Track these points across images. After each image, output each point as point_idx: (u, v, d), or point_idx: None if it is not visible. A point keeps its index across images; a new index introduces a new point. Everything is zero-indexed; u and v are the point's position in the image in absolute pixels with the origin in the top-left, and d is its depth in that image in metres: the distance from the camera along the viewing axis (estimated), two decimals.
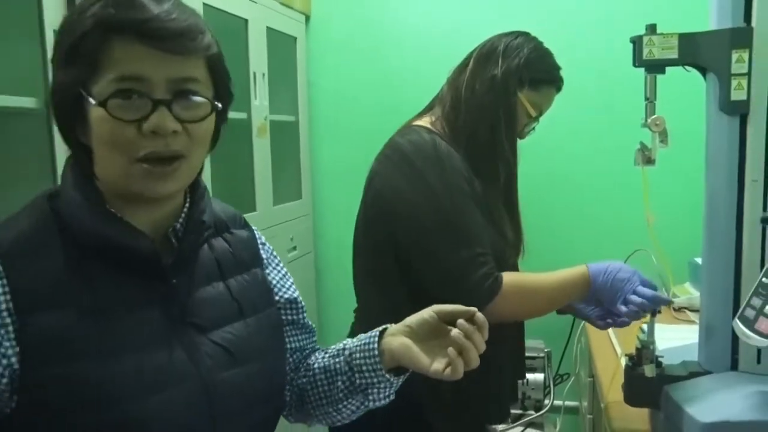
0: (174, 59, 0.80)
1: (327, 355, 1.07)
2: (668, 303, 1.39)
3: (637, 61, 1.22)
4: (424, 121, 1.44)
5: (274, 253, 1.10)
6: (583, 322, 2.06)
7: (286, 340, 1.07)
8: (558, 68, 1.48)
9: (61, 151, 1.41)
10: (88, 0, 0.81)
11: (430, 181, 1.31)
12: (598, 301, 1.42)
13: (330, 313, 2.90)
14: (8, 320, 0.77)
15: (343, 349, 1.04)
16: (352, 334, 1.43)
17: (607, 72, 2.47)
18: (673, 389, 1.24)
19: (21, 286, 0.78)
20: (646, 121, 1.24)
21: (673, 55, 1.21)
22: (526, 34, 1.47)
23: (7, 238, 0.81)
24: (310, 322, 1.12)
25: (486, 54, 1.44)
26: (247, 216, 1.10)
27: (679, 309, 2.11)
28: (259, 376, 0.92)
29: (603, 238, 2.55)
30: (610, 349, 1.85)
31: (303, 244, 2.76)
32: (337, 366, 1.02)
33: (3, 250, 0.79)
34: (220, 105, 0.88)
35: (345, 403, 1.03)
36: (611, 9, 2.51)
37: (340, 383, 1.02)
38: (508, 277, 1.33)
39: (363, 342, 1.01)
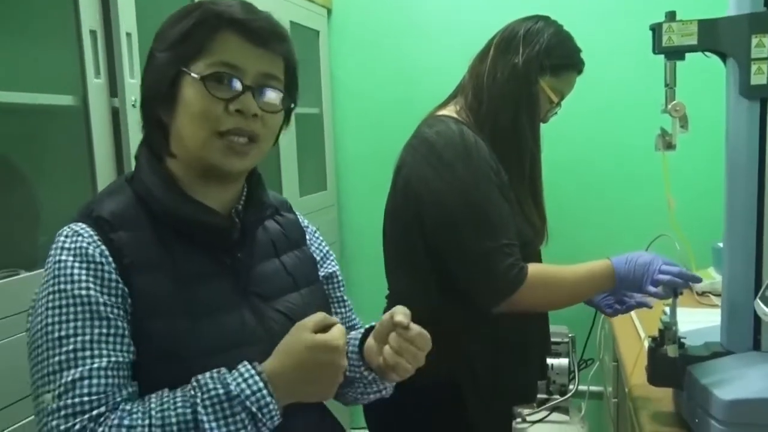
0: (264, 56, 0.94)
1: None
2: (697, 279, 1.39)
3: (657, 48, 1.24)
4: (450, 111, 1.46)
5: (317, 233, 1.20)
6: None
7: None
8: (578, 51, 1.48)
9: (99, 144, 1.47)
10: (200, 0, 0.95)
11: (458, 171, 1.33)
12: (622, 290, 1.44)
13: (355, 301, 2.93)
14: (118, 277, 0.88)
15: (349, 339, 1.10)
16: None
17: (629, 56, 2.47)
18: (696, 369, 1.26)
19: (122, 250, 0.89)
20: (666, 107, 1.25)
21: (693, 41, 1.23)
22: (546, 19, 1.47)
23: (103, 213, 0.91)
24: (347, 297, 1.21)
25: (506, 40, 1.44)
26: None
27: (703, 293, 2.12)
28: None
29: (626, 222, 2.56)
30: (634, 333, 1.87)
31: (329, 234, 2.80)
32: None
33: (103, 220, 0.90)
34: (292, 103, 1.01)
35: (348, 389, 1.11)
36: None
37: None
38: (533, 268, 1.35)
39: (354, 337, 1.09)
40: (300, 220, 1.17)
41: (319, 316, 0.93)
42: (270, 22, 0.95)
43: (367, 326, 1.10)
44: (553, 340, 2.17)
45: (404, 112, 1.56)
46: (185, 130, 0.93)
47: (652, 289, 1.35)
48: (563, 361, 2.15)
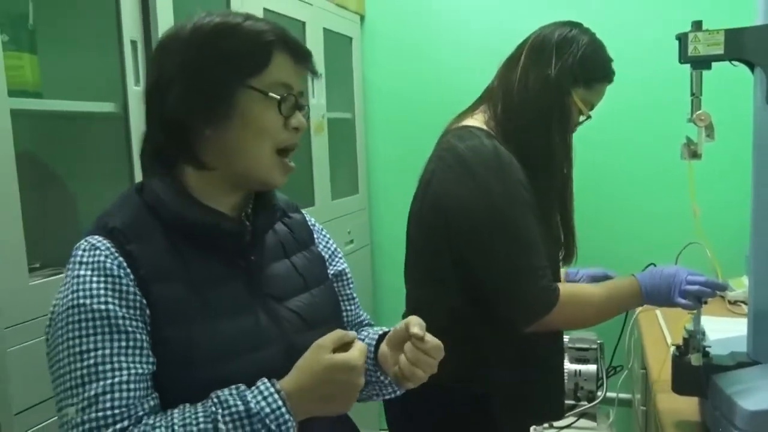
0: (302, 75, 1.01)
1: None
2: (723, 287, 1.39)
3: (683, 57, 1.24)
4: (478, 120, 1.42)
5: (324, 231, 1.22)
6: (636, 314, 2.10)
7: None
8: (610, 61, 1.44)
9: (137, 149, 1.52)
10: (238, 15, 0.99)
11: (492, 191, 1.31)
12: (650, 305, 1.44)
13: (385, 303, 2.98)
14: (136, 289, 0.90)
15: (362, 340, 1.12)
16: None
17: (657, 62, 2.45)
18: (721, 378, 1.26)
19: (137, 261, 0.91)
20: (691, 116, 1.26)
21: (719, 51, 1.23)
22: (579, 26, 1.43)
23: (117, 224, 0.93)
24: (355, 295, 1.23)
25: (539, 49, 1.40)
26: (306, 210, 1.20)
27: (735, 302, 2.10)
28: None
29: (656, 230, 2.54)
30: (662, 340, 1.86)
31: (360, 237, 2.84)
32: None
33: (118, 231, 0.92)
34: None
35: (362, 389, 1.12)
36: (658, 3, 2.50)
37: None
38: (565, 288, 1.35)
39: (368, 341, 1.11)
40: (307, 219, 1.19)
41: (337, 334, 0.93)
42: (304, 45, 1.01)
43: (380, 332, 1.11)
44: (581, 346, 2.17)
45: (435, 116, 1.56)
46: (243, 144, 0.95)
47: (681, 300, 1.34)
48: (591, 368, 2.15)
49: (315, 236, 1.17)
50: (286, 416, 0.88)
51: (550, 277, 1.34)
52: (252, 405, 0.87)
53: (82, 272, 0.89)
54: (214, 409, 0.86)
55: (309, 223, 1.18)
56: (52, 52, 1.45)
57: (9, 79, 1.26)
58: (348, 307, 1.20)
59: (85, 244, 0.92)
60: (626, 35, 2.47)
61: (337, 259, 1.20)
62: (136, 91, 1.52)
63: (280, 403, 0.88)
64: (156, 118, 0.97)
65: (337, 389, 0.92)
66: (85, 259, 0.90)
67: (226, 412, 0.86)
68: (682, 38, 1.25)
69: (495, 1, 2.69)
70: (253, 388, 0.89)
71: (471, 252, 1.35)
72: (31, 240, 1.26)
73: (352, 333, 0.95)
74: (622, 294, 1.40)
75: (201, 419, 0.86)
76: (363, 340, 1.12)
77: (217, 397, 0.88)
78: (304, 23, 2.35)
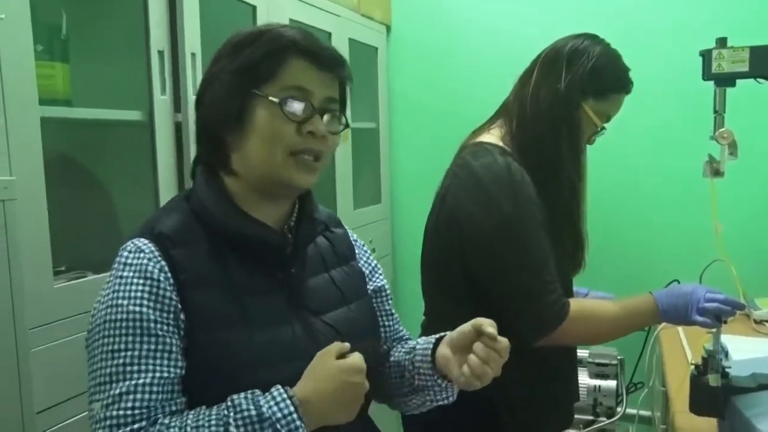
0: (328, 80, 1.00)
1: (402, 350, 1.17)
2: (743, 307, 1.36)
3: (707, 74, 1.24)
4: (494, 135, 1.43)
5: (365, 247, 1.23)
6: (658, 330, 2.07)
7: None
8: (626, 71, 1.43)
9: (162, 157, 1.57)
10: (271, 25, 1.01)
11: (504, 208, 1.32)
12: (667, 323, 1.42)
13: (407, 312, 2.96)
14: (173, 294, 0.93)
15: (413, 348, 1.14)
16: (423, 335, 1.52)
17: (682, 77, 2.42)
18: (740, 400, 1.25)
19: (179, 266, 0.94)
20: (714, 133, 1.25)
21: (744, 68, 1.22)
22: (592, 38, 1.42)
23: (164, 229, 0.96)
24: (394, 311, 1.24)
25: (551, 61, 1.40)
26: None
27: (760, 321, 2.06)
28: (363, 353, 1.02)
29: (681, 247, 2.50)
30: (683, 357, 1.83)
31: (382, 246, 2.85)
32: (405, 363, 1.13)
33: (164, 236, 0.95)
34: (348, 124, 1.05)
35: (411, 397, 1.14)
36: (683, 19, 2.47)
37: (406, 380, 1.13)
38: (575, 304, 1.35)
39: (423, 346, 1.11)
40: (349, 234, 1.20)
41: (338, 345, 0.96)
42: (333, 50, 1.01)
43: (437, 336, 1.11)
44: (601, 361, 2.15)
45: (460, 127, 1.56)
46: (256, 151, 0.97)
47: (699, 318, 1.31)
48: (611, 384, 2.12)
49: (356, 252, 1.18)
50: (297, 422, 0.89)
51: (560, 292, 1.34)
52: (264, 410, 0.88)
53: (124, 273, 0.93)
54: (226, 412, 0.88)
55: (351, 239, 1.19)
56: (82, 61, 1.49)
57: (41, 87, 1.30)
58: (387, 323, 1.21)
59: (131, 245, 0.95)
60: (652, 51, 2.45)
61: (377, 275, 1.21)
62: (161, 100, 1.56)
63: (291, 408, 0.89)
64: (196, 127, 1.04)
65: (346, 392, 0.94)
66: (129, 261, 0.94)
67: (239, 416, 0.88)
68: (705, 55, 1.25)
69: (521, 12, 2.68)
70: (267, 393, 0.91)
71: (481, 267, 1.37)
72: (58, 243, 1.29)
73: (347, 345, 0.97)
74: (637, 311, 1.38)
75: (213, 422, 0.88)
76: (414, 348, 1.13)
77: (232, 400, 0.90)
78: (330, 34, 2.37)
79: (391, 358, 1.17)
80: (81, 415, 1.31)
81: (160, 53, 1.55)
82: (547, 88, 1.38)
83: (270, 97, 0.95)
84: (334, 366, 0.94)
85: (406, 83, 2.91)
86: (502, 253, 1.33)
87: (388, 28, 2.89)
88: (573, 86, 1.36)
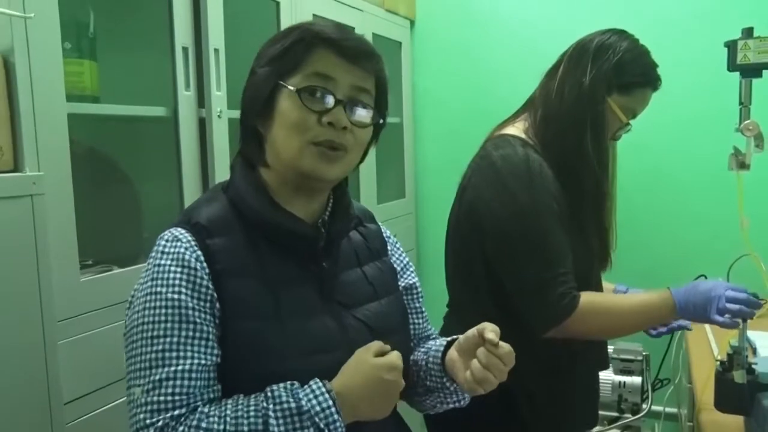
0: (357, 71, 0.99)
1: (421, 350, 1.18)
2: (760, 306, 1.31)
3: (731, 65, 1.22)
4: (518, 128, 1.44)
5: (398, 244, 1.23)
6: None
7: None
8: (654, 67, 1.41)
9: (186, 152, 1.58)
10: (309, 22, 1.03)
11: (520, 200, 1.33)
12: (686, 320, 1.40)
13: (431, 307, 2.94)
14: (209, 283, 0.94)
15: (429, 348, 1.15)
16: (445, 328, 1.53)
17: (714, 67, 2.38)
18: (766, 397, 1.23)
19: (215, 256, 0.95)
20: (739, 125, 1.22)
21: None
22: (620, 33, 1.41)
23: (200, 219, 0.98)
24: (424, 309, 1.24)
25: (577, 56, 1.40)
26: None
27: None
28: (393, 348, 1.03)
29: (709, 241, 2.46)
30: (709, 354, 1.81)
31: (406, 241, 2.85)
32: (421, 363, 1.14)
33: (201, 226, 0.97)
34: (381, 119, 1.04)
35: (425, 397, 1.15)
36: (709, 9, 2.43)
37: (421, 380, 1.13)
38: (586, 297, 1.34)
39: (436, 348, 1.12)
40: (382, 230, 1.20)
41: (378, 344, 0.98)
42: (362, 41, 1.01)
43: (448, 339, 1.12)
44: (626, 357, 2.12)
45: (484, 121, 1.56)
46: (280, 140, 0.98)
47: (719, 318, 1.28)
48: (636, 380, 2.09)
49: (389, 248, 1.19)
50: (335, 416, 0.90)
51: (571, 284, 1.33)
52: (303, 403, 0.89)
53: (162, 261, 0.95)
54: (265, 404, 0.90)
55: (384, 235, 1.20)
56: (108, 57, 1.52)
57: (70, 84, 1.33)
58: (416, 321, 1.22)
59: (169, 235, 0.97)
60: (677, 42, 2.42)
61: (408, 273, 1.21)
62: (186, 96, 1.58)
63: (330, 402, 0.90)
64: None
65: (383, 389, 0.95)
66: (167, 249, 0.96)
67: (278, 407, 0.89)
68: (731, 46, 1.23)
69: (545, 6, 2.66)
70: (306, 386, 0.92)
71: (497, 257, 1.38)
72: (85, 238, 1.32)
73: (387, 346, 0.99)
74: (653, 307, 1.36)
75: (252, 412, 0.89)
76: (429, 349, 1.15)
77: (271, 391, 0.91)
78: (353, 29, 2.36)
79: (412, 357, 1.18)
80: (108, 406, 1.34)
81: (185, 49, 1.57)
82: (572, 83, 1.38)
83: (289, 87, 0.96)
84: (372, 363, 0.95)
85: (430, 78, 2.90)
86: (515, 243, 1.34)
87: (412, 23, 2.89)
88: (598, 80, 1.36)
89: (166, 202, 1.62)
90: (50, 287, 1.20)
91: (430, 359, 1.11)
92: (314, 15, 2.10)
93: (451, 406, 1.14)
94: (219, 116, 1.64)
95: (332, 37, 0.97)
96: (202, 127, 1.63)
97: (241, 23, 1.68)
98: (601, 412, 2.09)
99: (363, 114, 1.00)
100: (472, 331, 1.01)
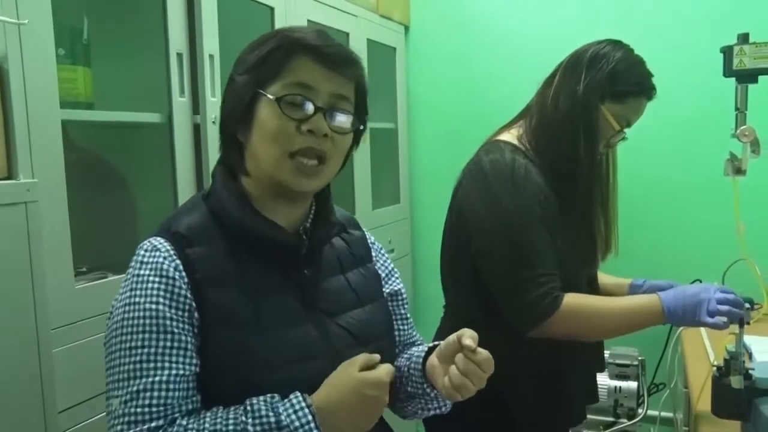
0: (336, 79, 0.98)
1: (404, 356, 1.17)
2: (752, 305, 1.33)
3: (727, 71, 1.22)
4: (511, 135, 1.47)
5: (383, 250, 1.23)
6: (679, 330, 2.05)
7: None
8: (648, 77, 1.43)
9: (181, 158, 1.58)
10: (288, 27, 1.02)
11: (503, 203, 1.35)
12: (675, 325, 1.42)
13: (426, 312, 2.97)
14: (188, 292, 0.94)
15: (411, 355, 1.15)
16: (440, 329, 1.55)
17: (700, 77, 2.39)
18: (764, 402, 1.23)
19: (195, 265, 0.95)
20: (735, 131, 1.23)
21: (767, 64, 1.20)
22: (615, 43, 1.44)
23: (180, 228, 0.98)
24: (409, 315, 1.24)
25: (572, 66, 1.42)
26: None
27: None
28: (376, 354, 1.02)
29: (704, 246, 2.47)
30: (705, 358, 1.81)
31: (401, 246, 2.85)
32: (403, 370, 1.13)
33: (180, 235, 0.96)
34: (361, 126, 1.04)
35: (406, 403, 1.15)
36: (704, 15, 2.44)
37: (402, 386, 1.13)
38: (569, 299, 1.35)
39: (417, 355, 1.11)
40: (367, 237, 1.20)
41: (365, 357, 0.97)
42: (342, 48, 1.00)
43: (429, 345, 1.12)
44: (621, 362, 2.13)
45: (478, 126, 1.57)
46: (259, 149, 0.97)
47: (709, 320, 1.29)
48: (632, 384, 2.10)
49: (373, 254, 1.19)
50: (315, 431, 0.89)
51: (553, 285, 1.34)
52: (283, 417, 0.89)
53: (141, 272, 0.94)
54: (244, 418, 0.89)
55: (369, 241, 1.20)
56: (102, 63, 1.51)
57: (63, 90, 1.32)
58: (401, 327, 1.21)
59: (148, 244, 0.97)
60: (672, 48, 2.42)
61: (393, 279, 1.21)
62: (180, 102, 1.57)
63: (309, 417, 0.90)
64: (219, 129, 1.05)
65: (366, 405, 0.94)
66: (145, 259, 0.95)
67: (257, 421, 0.88)
68: (727, 51, 1.23)
69: (542, 13, 2.66)
70: (286, 400, 0.91)
71: (480, 258, 1.40)
72: (79, 245, 1.31)
73: (377, 356, 0.98)
74: (639, 312, 1.37)
75: (231, 426, 0.88)
76: (412, 355, 1.14)
77: (251, 405, 0.90)
78: (347, 34, 2.37)
79: (395, 363, 1.17)
80: (103, 414, 1.32)
81: (179, 55, 1.57)
82: (567, 91, 1.40)
83: (268, 95, 0.95)
84: (356, 378, 0.94)
85: (425, 83, 2.91)
86: (497, 244, 1.36)
87: (407, 28, 2.89)
88: (591, 89, 1.38)
89: (160, 208, 1.61)
90: (44, 295, 1.19)
91: (412, 365, 1.11)
92: (309, 20, 2.10)
93: (433, 412, 1.14)
94: (214, 122, 1.63)
95: (312, 44, 0.96)
96: (197, 133, 1.62)
97: (235, 29, 1.67)
98: (596, 417, 2.10)
99: (343, 121, 1.00)
100: (452, 337, 1.00)
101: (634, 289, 1.66)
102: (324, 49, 0.97)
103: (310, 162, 0.97)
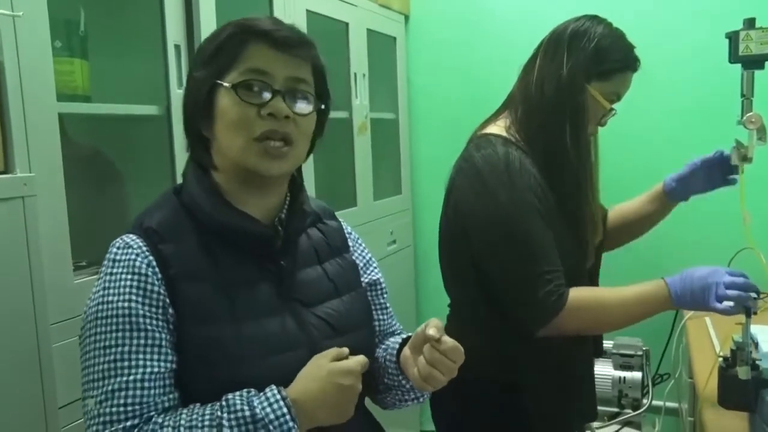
0: (291, 62, 0.98)
1: (382, 347, 1.17)
2: (757, 290, 1.26)
3: (733, 57, 1.20)
4: (499, 127, 1.42)
5: (360, 240, 1.22)
6: (684, 320, 2.03)
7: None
8: (631, 49, 1.38)
9: (179, 151, 1.56)
10: (230, 21, 1.01)
11: (500, 200, 1.32)
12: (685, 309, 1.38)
13: (429, 304, 2.96)
14: (161, 289, 0.93)
15: (388, 346, 1.14)
16: (446, 327, 1.52)
17: (713, 62, 2.37)
18: None
19: (168, 261, 0.94)
20: (741, 118, 1.21)
21: None
22: (592, 18, 1.39)
23: (152, 223, 0.97)
24: (389, 305, 1.23)
25: (552, 47, 1.38)
26: (348, 211, 1.21)
27: None
28: (356, 345, 1.03)
29: (709, 234, 2.45)
30: (710, 348, 1.80)
31: (402, 237, 2.84)
32: (381, 361, 1.13)
33: (152, 231, 0.96)
34: (322, 105, 1.04)
35: (386, 394, 1.14)
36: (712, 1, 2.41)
37: (381, 377, 1.13)
38: (575, 293, 1.32)
39: (392, 346, 1.11)
40: (343, 227, 1.19)
41: (335, 351, 0.97)
42: (294, 31, 1.00)
43: (404, 336, 1.12)
44: (626, 352, 2.12)
45: (479, 116, 1.54)
46: (224, 139, 0.97)
47: (719, 305, 1.24)
48: (636, 375, 2.09)
49: (350, 244, 1.18)
50: (290, 423, 0.89)
51: (559, 281, 1.31)
52: (258, 410, 0.88)
53: (113, 270, 0.94)
54: (219, 413, 0.88)
55: (345, 231, 1.19)
56: (99, 56, 1.49)
57: (61, 83, 1.31)
58: (381, 317, 1.20)
59: (120, 242, 0.97)
60: (677, 33, 2.40)
61: (371, 269, 1.20)
62: (178, 94, 1.55)
63: (285, 410, 0.89)
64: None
65: (340, 394, 0.94)
66: (118, 257, 0.95)
67: (232, 416, 0.88)
68: (732, 37, 1.21)
69: (541, 1, 2.64)
70: (261, 393, 0.91)
71: (483, 257, 1.37)
72: (78, 238, 1.30)
73: (345, 349, 0.98)
74: (647, 299, 1.32)
75: (206, 422, 0.88)
76: (387, 347, 1.14)
77: (226, 400, 0.90)
78: (347, 24, 2.35)
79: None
80: None
81: (177, 47, 1.55)
82: (551, 75, 1.36)
83: (225, 84, 0.95)
84: (328, 368, 0.94)
85: (426, 73, 2.89)
86: (499, 243, 1.33)
87: (407, 18, 2.87)
88: (576, 71, 1.34)
89: None
90: (43, 290, 1.18)
91: (387, 356, 1.11)
92: (307, 11, 2.08)
93: (410, 403, 1.14)
94: None
95: (263, 29, 0.97)
96: None
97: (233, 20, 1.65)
98: (601, 408, 2.09)
99: (303, 104, 1.00)
100: (421, 328, 1.00)
101: (669, 192, 1.60)
102: (276, 33, 0.97)
103: (276, 143, 0.97)
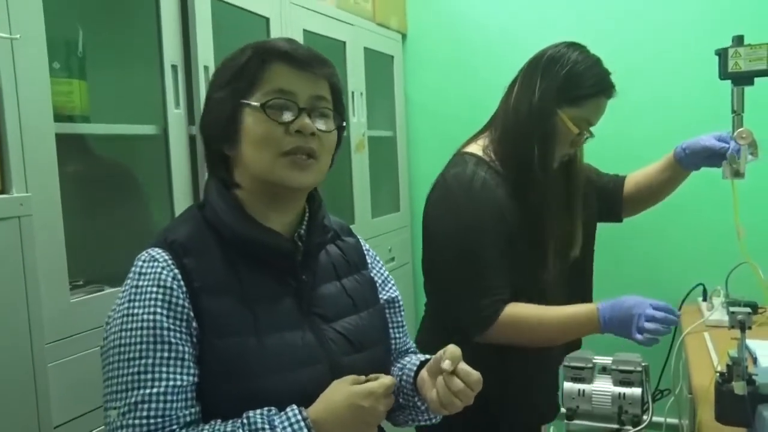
0: (312, 80, 1.02)
1: (397, 366, 1.18)
2: (676, 323, 1.35)
3: (723, 73, 1.22)
4: (478, 146, 1.48)
5: (377, 258, 1.24)
6: (683, 335, 2.03)
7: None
8: (605, 75, 1.41)
9: (177, 170, 1.57)
10: (246, 44, 1.04)
11: (460, 217, 1.40)
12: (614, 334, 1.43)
13: None
14: (186, 302, 0.94)
15: (404, 366, 1.15)
16: (422, 328, 1.66)
17: (703, 78, 2.38)
18: (767, 409, 1.21)
19: (192, 274, 0.96)
20: (732, 134, 1.22)
21: (762, 66, 1.20)
22: (570, 44, 1.43)
23: (178, 237, 0.99)
24: (405, 323, 1.24)
25: (530, 72, 1.43)
26: None
27: None
28: (373, 362, 1.05)
29: (707, 250, 2.45)
30: (708, 363, 1.79)
31: (401, 254, 2.84)
32: (396, 380, 1.13)
33: (177, 244, 0.98)
34: (343, 122, 1.08)
35: (399, 413, 1.15)
36: (699, 17, 2.43)
37: (396, 396, 1.12)
38: (510, 309, 1.40)
39: (409, 367, 1.12)
40: (361, 244, 1.21)
41: (352, 377, 0.98)
42: (312, 50, 1.04)
43: (422, 358, 1.13)
44: (624, 368, 2.10)
45: None
46: (250, 156, 0.99)
47: (639, 337, 1.34)
48: (636, 391, 2.06)
49: (369, 261, 1.20)
50: None
51: (498, 297, 1.39)
52: (278, 430, 0.89)
53: (139, 282, 0.95)
54: (241, 430, 0.89)
55: (363, 248, 1.20)
56: (96, 76, 1.50)
57: (59, 104, 1.32)
58: (396, 335, 1.21)
59: (146, 255, 0.98)
60: (671, 50, 2.42)
61: (389, 286, 1.22)
62: (176, 114, 1.57)
63: (305, 431, 0.90)
64: (203, 148, 1.07)
65: (361, 416, 0.95)
66: (143, 270, 0.96)
67: None
68: (722, 54, 1.22)
69: (536, 19, 2.67)
70: (282, 413, 0.91)
71: (432, 269, 1.49)
72: (75, 258, 1.30)
73: (363, 377, 0.99)
74: (577, 322, 1.42)
75: None
76: (404, 366, 1.15)
77: (247, 417, 0.90)
78: (344, 43, 2.37)
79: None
80: (98, 429, 1.32)
81: (174, 67, 1.57)
82: (525, 99, 1.42)
83: (252, 103, 0.98)
84: (350, 390, 0.95)
85: (423, 91, 2.91)
86: (451, 260, 1.41)
87: (404, 37, 2.89)
88: (546, 96, 1.39)
89: (157, 220, 1.61)
90: (39, 309, 1.19)
91: (404, 377, 1.12)
92: (304, 30, 2.10)
93: (423, 423, 1.15)
94: None
95: (283, 50, 1.00)
96: (193, 144, 1.62)
97: (230, 40, 1.65)
98: (601, 425, 2.07)
99: (325, 121, 1.03)
100: (439, 354, 1.01)
101: (680, 160, 1.58)
102: (295, 53, 1.00)
103: (302, 156, 0.99)
